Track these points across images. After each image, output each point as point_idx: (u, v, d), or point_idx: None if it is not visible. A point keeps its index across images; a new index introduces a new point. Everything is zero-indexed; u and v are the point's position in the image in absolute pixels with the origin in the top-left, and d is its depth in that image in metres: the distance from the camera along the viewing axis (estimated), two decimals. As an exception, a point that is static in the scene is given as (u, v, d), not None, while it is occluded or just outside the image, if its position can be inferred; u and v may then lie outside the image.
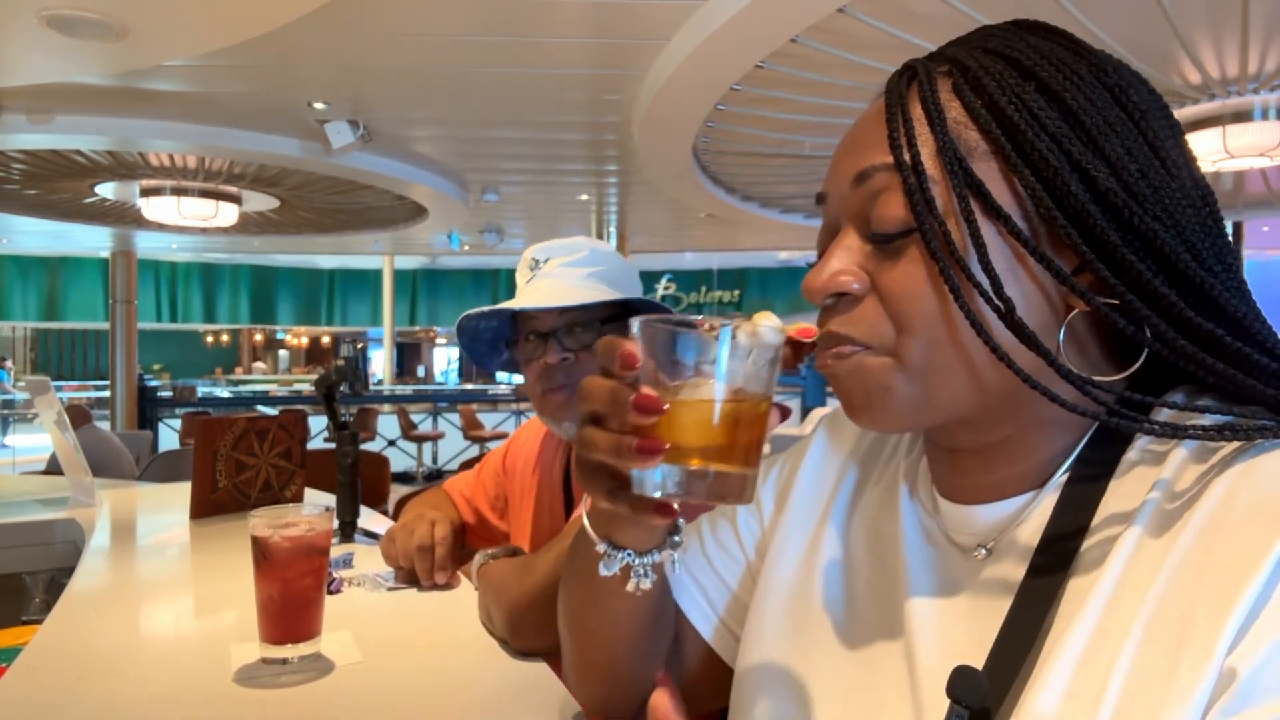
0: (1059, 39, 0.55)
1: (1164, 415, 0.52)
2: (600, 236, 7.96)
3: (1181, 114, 4.19)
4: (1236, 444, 0.47)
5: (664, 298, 15.04)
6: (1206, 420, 0.49)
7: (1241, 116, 4.10)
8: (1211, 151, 4.21)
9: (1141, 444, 0.52)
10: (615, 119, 4.53)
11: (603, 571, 0.58)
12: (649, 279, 14.98)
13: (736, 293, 15.39)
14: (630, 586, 0.59)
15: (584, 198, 6.77)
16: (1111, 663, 0.44)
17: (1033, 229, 0.51)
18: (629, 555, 0.58)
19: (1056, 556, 0.51)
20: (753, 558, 0.73)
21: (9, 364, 14.76)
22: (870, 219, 0.53)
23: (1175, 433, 0.47)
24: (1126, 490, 0.51)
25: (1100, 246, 0.49)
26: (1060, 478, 0.54)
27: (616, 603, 0.66)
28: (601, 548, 0.59)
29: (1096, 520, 0.50)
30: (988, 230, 0.50)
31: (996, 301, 0.49)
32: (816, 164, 5.33)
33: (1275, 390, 0.49)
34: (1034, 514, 0.54)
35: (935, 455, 0.61)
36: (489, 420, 9.83)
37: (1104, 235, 0.48)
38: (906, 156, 0.51)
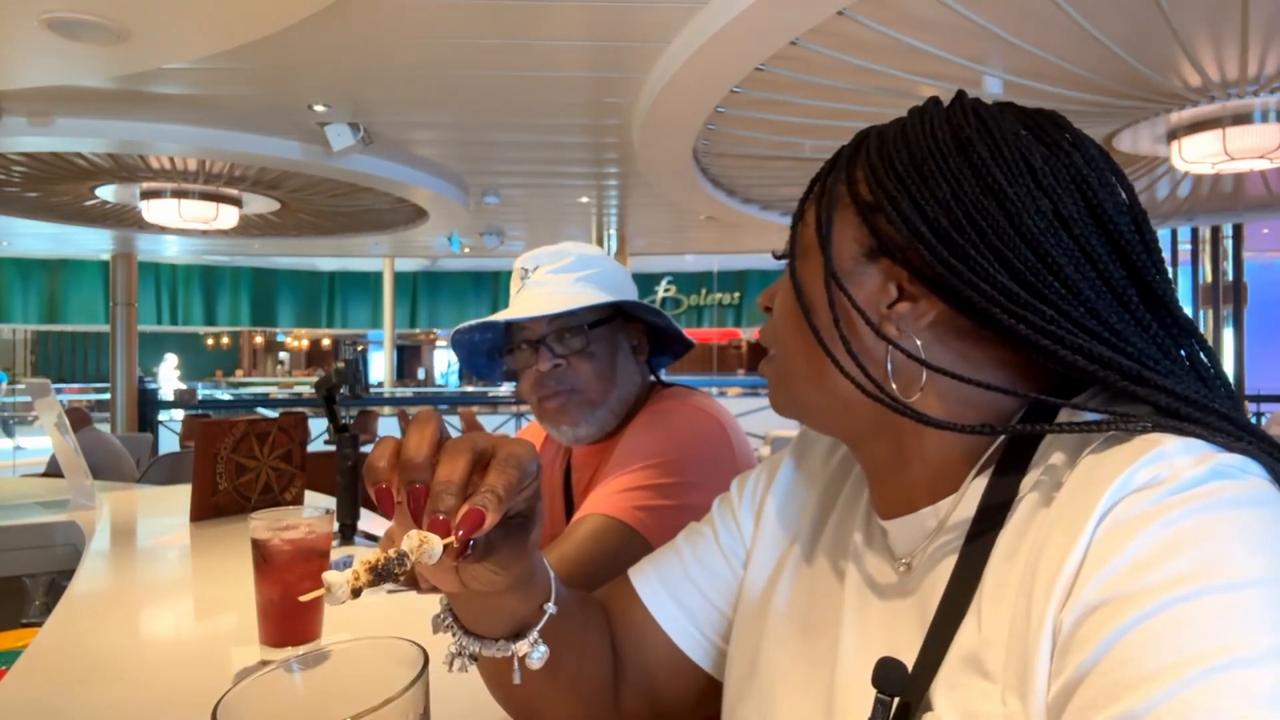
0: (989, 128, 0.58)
1: (1064, 414, 0.55)
2: (600, 239, 7.97)
3: (1181, 116, 4.19)
4: (1109, 434, 0.50)
5: (664, 300, 15.05)
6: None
7: (1241, 119, 4.10)
8: (1212, 154, 4.21)
9: (1048, 442, 0.54)
10: (615, 122, 4.54)
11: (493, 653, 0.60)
12: (649, 281, 14.98)
13: (737, 295, 15.40)
14: (532, 664, 0.59)
15: (584, 200, 6.78)
16: (998, 642, 0.48)
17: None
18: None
19: (973, 557, 0.52)
20: (741, 573, 0.73)
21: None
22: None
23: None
24: (1034, 484, 0.52)
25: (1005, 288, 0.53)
26: (974, 482, 0.56)
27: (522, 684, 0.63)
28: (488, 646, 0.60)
29: (1011, 519, 0.52)
30: (844, 265, 0.58)
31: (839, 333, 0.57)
32: (817, 166, 5.29)
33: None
34: (950, 519, 0.56)
35: (864, 473, 0.66)
36: (489, 423, 9.83)
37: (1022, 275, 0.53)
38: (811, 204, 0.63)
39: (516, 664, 0.59)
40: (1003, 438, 0.55)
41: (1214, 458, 0.46)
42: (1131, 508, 0.45)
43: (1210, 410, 0.49)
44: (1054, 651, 0.44)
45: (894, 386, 0.56)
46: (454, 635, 0.61)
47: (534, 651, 0.59)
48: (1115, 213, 0.54)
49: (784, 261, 0.64)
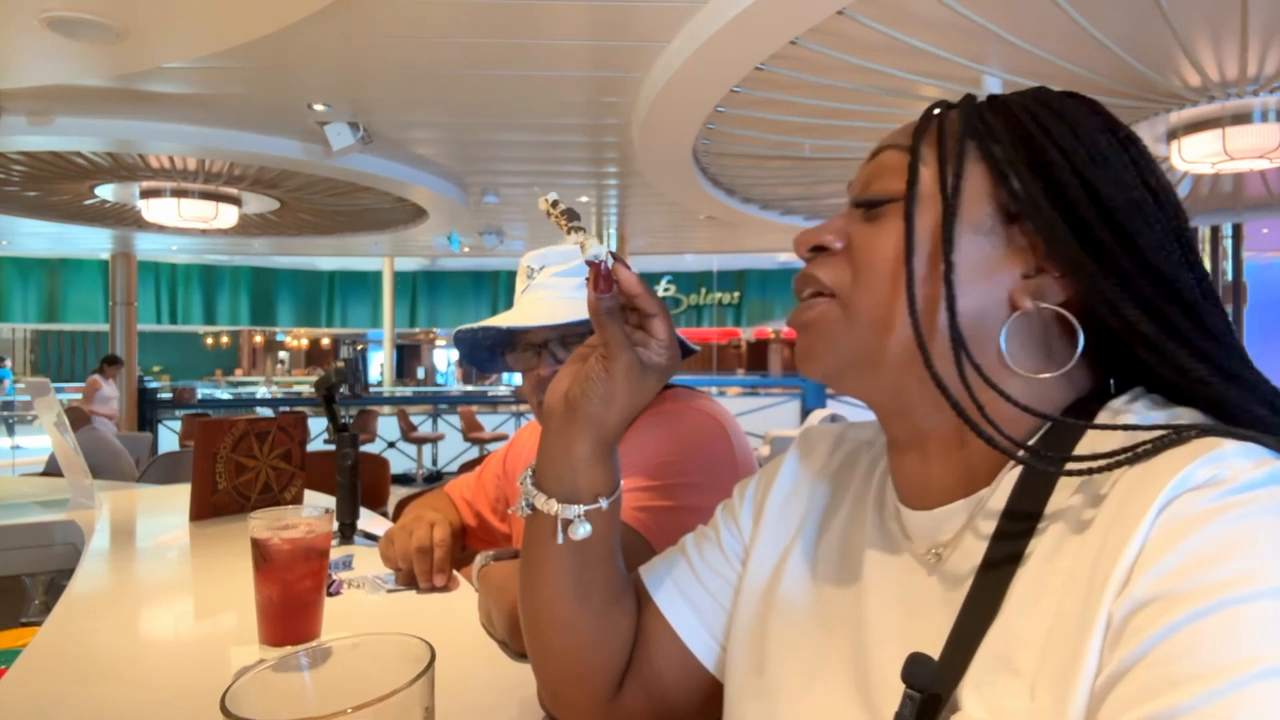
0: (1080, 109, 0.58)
1: (1104, 415, 0.55)
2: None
3: (1181, 116, 4.19)
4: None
5: (663, 299, 15.04)
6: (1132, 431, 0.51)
7: (1241, 119, 4.10)
8: (1211, 153, 4.21)
9: (1089, 438, 0.53)
10: (615, 121, 4.54)
11: (535, 509, 0.67)
12: (649, 281, 14.90)
13: (736, 294, 15.41)
14: (575, 534, 0.66)
15: (584, 200, 6.77)
16: (1033, 640, 0.47)
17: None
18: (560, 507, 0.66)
19: (1006, 552, 0.52)
20: (741, 570, 0.74)
21: (7, 363, 14.74)
22: (868, 188, 0.60)
23: (1090, 469, 0.49)
24: (1071, 485, 0.52)
25: (1111, 262, 0.53)
26: (1007, 476, 0.55)
27: (553, 561, 0.69)
28: (533, 504, 0.68)
29: (1045, 517, 0.52)
30: (970, 219, 0.56)
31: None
32: (816, 166, 5.33)
33: (1242, 404, 0.52)
34: (983, 512, 0.55)
35: (892, 460, 0.64)
36: (489, 422, 9.83)
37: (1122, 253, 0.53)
38: (922, 144, 0.58)
39: (560, 527, 0.66)
40: (1046, 427, 0.55)
41: (1273, 463, 0.46)
42: (1190, 505, 0.44)
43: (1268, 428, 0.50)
44: (1105, 643, 0.44)
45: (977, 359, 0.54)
46: (528, 483, 0.69)
47: (579, 525, 0.66)
48: (1189, 231, 0.56)
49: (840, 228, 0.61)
